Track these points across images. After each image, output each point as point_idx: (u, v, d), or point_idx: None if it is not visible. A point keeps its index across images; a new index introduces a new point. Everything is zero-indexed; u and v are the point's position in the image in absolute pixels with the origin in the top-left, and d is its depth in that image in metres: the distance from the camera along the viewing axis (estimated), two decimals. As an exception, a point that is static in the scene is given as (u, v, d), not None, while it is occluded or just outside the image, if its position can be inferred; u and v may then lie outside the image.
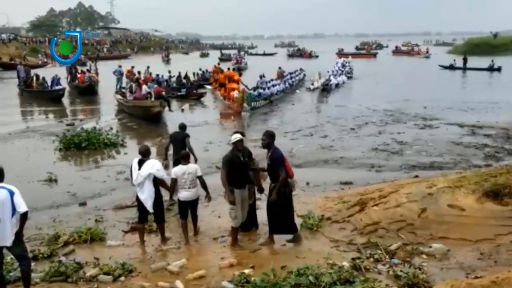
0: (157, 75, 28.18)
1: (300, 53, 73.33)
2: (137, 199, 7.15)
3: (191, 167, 7.27)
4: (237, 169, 6.78)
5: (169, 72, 29.78)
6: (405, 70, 43.93)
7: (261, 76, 26.47)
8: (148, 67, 30.31)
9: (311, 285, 5.16)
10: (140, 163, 7.01)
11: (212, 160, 11.58)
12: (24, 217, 5.23)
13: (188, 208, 7.32)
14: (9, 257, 5.86)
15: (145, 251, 7.09)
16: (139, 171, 6.95)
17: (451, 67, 43.12)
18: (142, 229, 7.36)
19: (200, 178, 7.24)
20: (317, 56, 67.74)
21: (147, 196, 6.99)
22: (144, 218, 7.31)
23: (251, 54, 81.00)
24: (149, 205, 7.02)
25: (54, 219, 8.58)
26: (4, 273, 5.51)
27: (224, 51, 77.19)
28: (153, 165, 7.01)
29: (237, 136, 6.87)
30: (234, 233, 6.98)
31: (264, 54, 79.21)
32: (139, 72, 25.25)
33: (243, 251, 6.81)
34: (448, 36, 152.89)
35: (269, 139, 6.89)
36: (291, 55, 73.02)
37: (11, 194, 5.14)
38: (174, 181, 7.17)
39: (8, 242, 5.21)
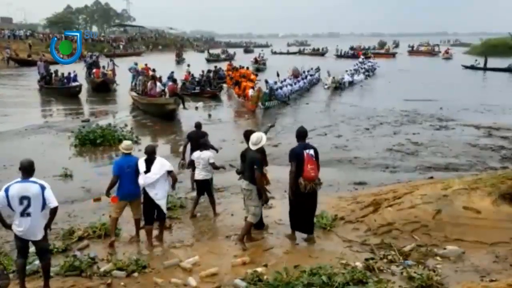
0: (193, 74, 28.40)
1: (353, 53, 65.87)
2: (145, 199, 6.98)
3: (205, 154, 8.15)
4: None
5: (203, 71, 29.81)
6: (424, 70, 43.67)
7: (266, 81, 24.12)
8: (188, 65, 30.27)
9: (323, 285, 5.13)
10: (147, 162, 6.90)
11: (225, 158, 11.55)
12: (54, 212, 5.31)
13: (202, 188, 8.26)
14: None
15: (162, 248, 7.04)
16: (150, 172, 6.82)
17: (472, 67, 43.85)
18: (151, 231, 7.12)
19: (211, 164, 8.09)
20: (369, 57, 60.02)
21: (161, 196, 6.91)
22: (152, 219, 7.06)
23: (275, 53, 78.66)
24: (163, 203, 6.97)
25: (69, 214, 8.69)
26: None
27: (211, 51, 69.16)
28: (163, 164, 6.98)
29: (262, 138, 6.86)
30: (249, 229, 6.97)
31: (288, 53, 78.19)
32: (154, 70, 25.42)
33: (256, 249, 6.80)
34: (465, 37, 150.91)
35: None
36: (340, 56, 65.81)
37: (43, 188, 5.23)
38: (192, 162, 8.46)
39: (38, 236, 5.29)
